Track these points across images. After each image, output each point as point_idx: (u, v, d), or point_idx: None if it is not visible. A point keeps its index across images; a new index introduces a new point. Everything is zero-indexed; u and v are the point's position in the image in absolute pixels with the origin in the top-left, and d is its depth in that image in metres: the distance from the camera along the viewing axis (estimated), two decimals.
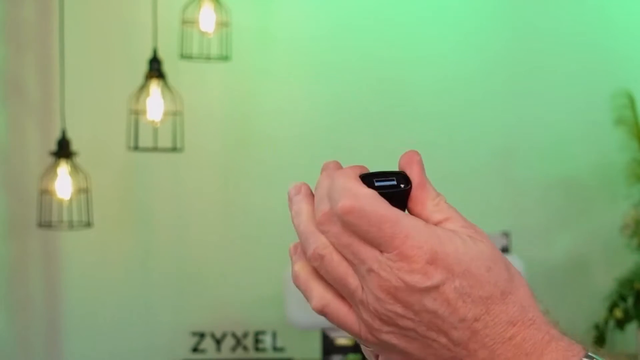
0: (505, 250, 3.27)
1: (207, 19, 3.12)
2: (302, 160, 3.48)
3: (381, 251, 0.61)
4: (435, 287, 0.61)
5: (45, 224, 3.05)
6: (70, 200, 3.03)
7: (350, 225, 0.62)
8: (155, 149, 3.13)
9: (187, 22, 3.14)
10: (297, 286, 0.65)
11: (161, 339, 3.55)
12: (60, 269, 3.53)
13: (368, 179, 0.64)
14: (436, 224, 0.63)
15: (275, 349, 3.47)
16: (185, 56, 3.16)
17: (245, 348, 3.49)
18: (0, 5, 3.50)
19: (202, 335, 3.48)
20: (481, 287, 0.61)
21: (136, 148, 3.09)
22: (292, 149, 3.57)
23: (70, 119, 3.10)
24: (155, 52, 3.08)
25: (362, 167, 0.66)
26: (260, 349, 3.49)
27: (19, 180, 3.49)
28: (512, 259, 3.15)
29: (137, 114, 3.08)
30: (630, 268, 3.46)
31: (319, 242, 0.63)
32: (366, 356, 0.68)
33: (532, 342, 0.61)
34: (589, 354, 0.62)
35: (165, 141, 3.13)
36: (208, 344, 3.48)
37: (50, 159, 3.05)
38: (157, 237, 3.57)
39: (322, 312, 0.64)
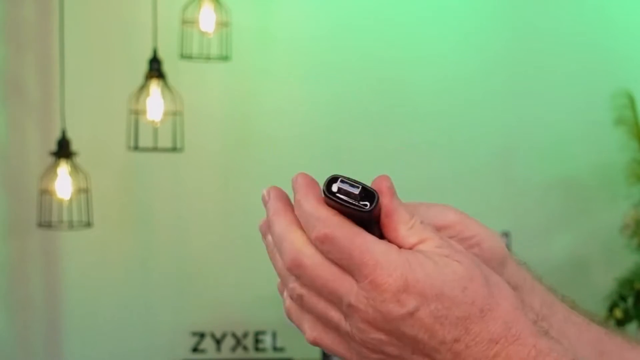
0: None
1: (207, 19, 3.12)
2: (302, 160, 3.48)
3: (356, 280, 0.61)
4: (411, 314, 0.61)
5: (45, 224, 3.05)
6: (70, 200, 3.03)
7: (325, 253, 0.62)
8: (155, 149, 3.13)
9: (187, 22, 3.14)
10: (291, 321, 0.67)
11: (161, 339, 3.55)
12: (60, 269, 3.53)
13: (331, 186, 0.62)
14: (411, 247, 0.63)
15: (275, 349, 3.47)
16: (185, 56, 3.16)
17: (245, 348, 3.49)
18: (0, 5, 3.50)
19: (202, 335, 3.48)
20: (457, 307, 0.61)
21: (136, 148, 3.09)
22: (292, 149, 3.57)
23: (70, 119, 3.10)
24: (155, 52, 3.08)
25: (314, 185, 0.65)
26: (260, 349, 3.49)
27: (19, 180, 3.49)
28: None
29: (137, 114, 3.08)
30: (630, 268, 3.46)
31: (295, 283, 0.64)
32: None
33: (517, 359, 0.61)
34: None
35: (165, 141, 3.13)
36: (208, 344, 3.48)
37: (50, 159, 3.05)
38: (157, 237, 3.57)
39: (315, 344, 0.66)
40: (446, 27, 3.66)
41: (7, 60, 3.51)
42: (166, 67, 3.09)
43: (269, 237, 0.67)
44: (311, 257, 0.63)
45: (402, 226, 0.63)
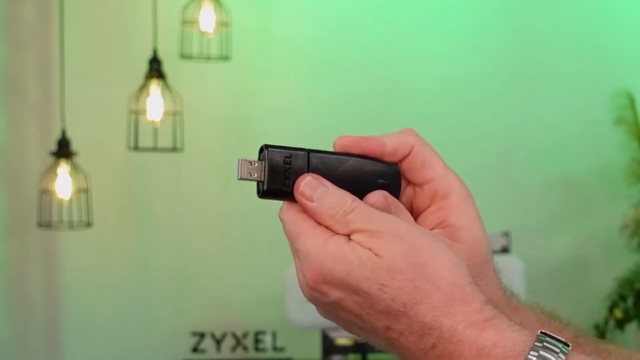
0: (505, 250, 3.27)
1: (207, 19, 3.12)
2: None
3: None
4: (338, 302, 0.62)
5: (45, 224, 3.05)
6: (70, 200, 3.03)
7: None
8: (155, 149, 3.13)
9: (187, 22, 3.14)
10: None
11: (161, 339, 3.55)
12: (60, 269, 3.53)
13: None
14: (346, 235, 0.63)
15: (275, 349, 3.47)
16: (185, 56, 3.16)
17: (245, 348, 3.49)
18: (0, 5, 3.50)
19: (202, 335, 3.48)
20: (377, 302, 0.61)
21: (136, 148, 3.09)
22: None
23: (70, 119, 3.10)
24: (155, 52, 3.08)
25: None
26: (260, 349, 3.49)
27: (19, 180, 3.49)
28: (512, 259, 3.15)
29: (137, 114, 3.08)
30: (630, 268, 3.46)
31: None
32: None
33: (457, 353, 0.60)
34: None
35: (165, 141, 3.13)
36: (208, 344, 3.48)
37: (50, 159, 3.05)
38: (157, 237, 3.57)
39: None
40: (446, 27, 3.66)
41: (7, 60, 3.51)
42: (166, 67, 3.09)
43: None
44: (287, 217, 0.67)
45: (327, 218, 0.64)
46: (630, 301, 3.40)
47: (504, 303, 0.69)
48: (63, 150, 3.01)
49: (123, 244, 3.55)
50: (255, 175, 0.66)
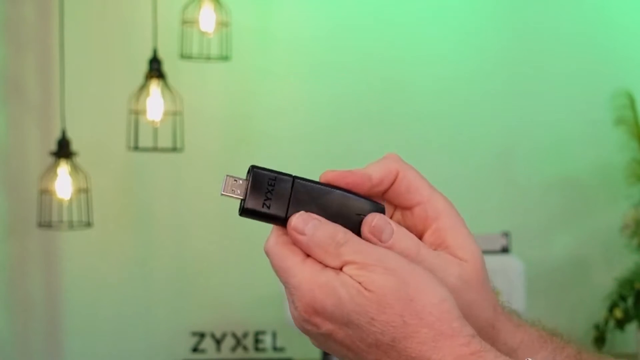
0: (505, 250, 3.27)
1: (207, 19, 3.12)
2: (302, 160, 3.48)
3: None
4: (330, 334, 0.64)
5: (45, 224, 3.05)
6: (70, 200, 3.03)
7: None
8: (155, 149, 3.13)
9: (187, 22, 3.14)
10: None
11: (161, 339, 3.55)
12: (60, 269, 3.53)
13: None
14: (336, 268, 0.64)
15: (275, 349, 3.47)
16: (185, 56, 3.16)
17: (245, 348, 3.49)
18: (0, 5, 3.50)
19: (202, 335, 3.48)
20: (368, 336, 0.62)
21: (136, 148, 3.09)
22: (292, 149, 3.57)
23: (70, 119, 3.10)
24: (155, 52, 3.08)
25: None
26: (260, 349, 3.49)
27: (19, 180, 3.49)
28: (512, 259, 3.15)
29: (137, 114, 3.08)
30: (630, 268, 3.46)
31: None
32: None
33: None
34: None
35: (165, 141, 3.13)
36: (208, 344, 3.48)
37: (50, 159, 3.05)
38: (157, 237, 3.57)
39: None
40: (446, 27, 3.66)
41: (7, 60, 3.51)
42: (166, 67, 3.09)
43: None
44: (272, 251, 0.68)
45: (319, 251, 0.65)
46: (630, 301, 3.40)
47: (505, 319, 0.70)
48: (63, 150, 3.01)
49: (123, 244, 3.55)
50: (238, 192, 0.66)
